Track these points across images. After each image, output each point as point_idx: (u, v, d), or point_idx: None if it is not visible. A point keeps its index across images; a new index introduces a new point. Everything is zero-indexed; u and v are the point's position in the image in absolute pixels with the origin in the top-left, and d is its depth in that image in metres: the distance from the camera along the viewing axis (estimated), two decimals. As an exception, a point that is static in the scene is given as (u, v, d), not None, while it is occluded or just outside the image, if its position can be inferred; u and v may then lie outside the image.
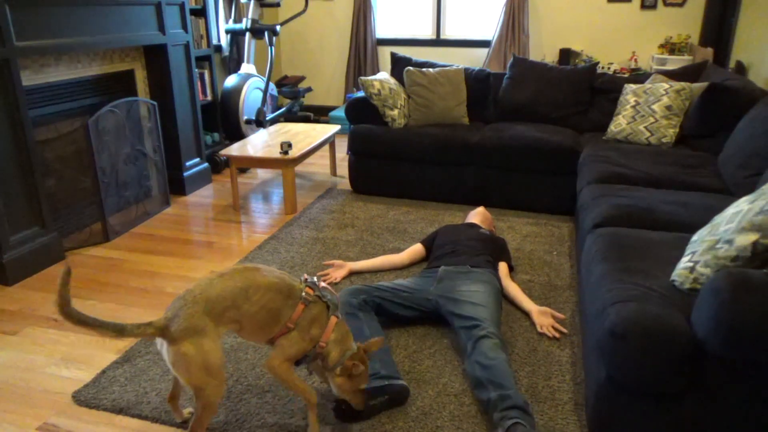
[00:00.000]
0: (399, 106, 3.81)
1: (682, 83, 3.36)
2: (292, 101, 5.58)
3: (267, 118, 4.78)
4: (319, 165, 4.78)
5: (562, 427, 1.79)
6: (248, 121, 4.75)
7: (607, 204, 2.42)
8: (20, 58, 2.78)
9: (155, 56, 3.73)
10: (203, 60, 4.44)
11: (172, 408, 1.78)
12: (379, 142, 3.76)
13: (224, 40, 5.02)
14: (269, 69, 4.85)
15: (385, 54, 6.12)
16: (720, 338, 1.35)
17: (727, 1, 5.01)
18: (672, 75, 3.73)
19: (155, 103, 3.64)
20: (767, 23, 4.21)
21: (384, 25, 6.15)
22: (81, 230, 3.35)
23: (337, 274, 2.73)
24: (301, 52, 6.40)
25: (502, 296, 2.46)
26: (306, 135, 4.06)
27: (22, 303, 2.58)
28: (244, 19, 4.85)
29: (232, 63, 5.12)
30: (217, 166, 4.53)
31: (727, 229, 1.56)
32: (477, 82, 4.05)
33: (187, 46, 3.90)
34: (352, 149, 3.88)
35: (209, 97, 4.55)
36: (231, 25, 4.98)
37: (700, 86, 3.33)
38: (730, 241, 1.52)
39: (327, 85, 6.45)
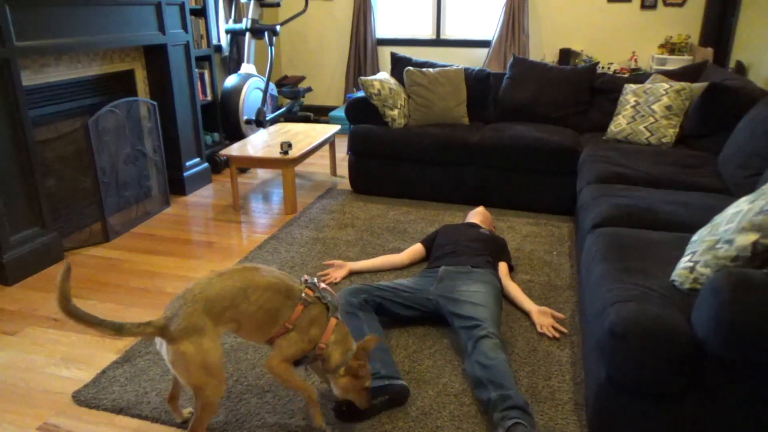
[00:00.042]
0: (399, 106, 3.81)
1: (682, 83, 3.36)
2: (292, 101, 5.58)
3: (267, 118, 4.78)
4: (319, 165, 4.78)
5: (562, 427, 1.79)
6: (248, 121, 4.75)
7: (607, 204, 2.42)
8: (20, 58, 2.78)
9: (155, 56, 3.73)
10: (203, 60, 4.44)
11: (172, 408, 1.78)
12: (379, 142, 3.76)
13: (224, 40, 5.02)
14: (269, 69, 4.85)
15: (385, 54, 6.12)
16: (720, 338, 1.35)
17: (727, 1, 5.01)
18: (672, 75, 3.73)
19: (155, 103, 3.64)
20: (767, 23, 4.21)
21: (384, 25, 6.15)
22: (81, 230, 3.35)
23: (337, 274, 2.73)
24: (301, 52, 6.40)
25: (502, 296, 2.46)
26: (306, 135, 4.06)
27: (22, 303, 2.58)
28: (244, 19, 4.85)
29: (232, 63, 5.12)
30: (217, 166, 4.53)
31: (727, 229, 1.56)
32: (477, 82, 4.05)
33: (187, 46, 3.90)
34: (352, 149, 3.88)
35: (209, 97, 4.55)
36: (231, 25, 4.98)
37: (700, 86, 3.33)
38: (730, 241, 1.52)
39: (327, 85, 6.45)
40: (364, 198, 3.89)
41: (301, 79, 6.04)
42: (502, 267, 2.58)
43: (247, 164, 3.65)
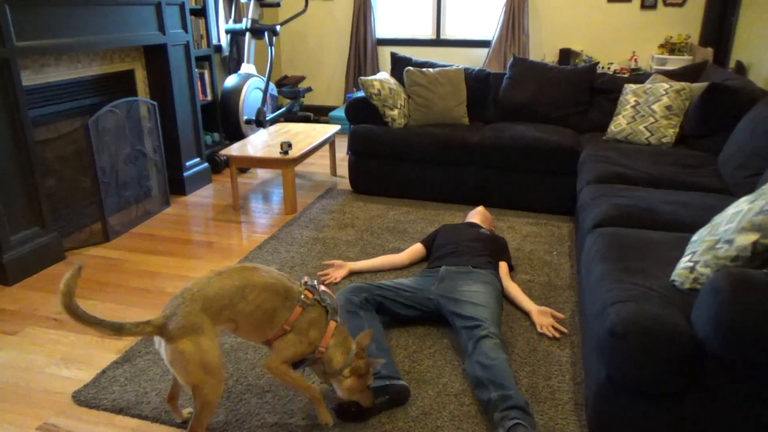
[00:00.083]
0: (399, 106, 3.81)
1: (682, 83, 3.36)
2: (292, 101, 5.58)
3: (267, 118, 4.78)
4: (319, 165, 4.78)
5: (562, 427, 1.79)
6: (248, 121, 4.75)
7: (607, 204, 2.42)
8: (20, 58, 2.78)
9: (155, 56, 3.73)
10: (203, 60, 4.44)
11: (172, 408, 1.78)
12: (379, 142, 3.76)
13: (224, 40, 5.02)
14: (269, 69, 4.85)
15: (385, 54, 6.12)
16: (720, 338, 1.35)
17: (727, 1, 5.01)
18: (672, 75, 3.73)
19: (155, 103, 3.64)
20: (767, 23, 4.21)
21: (384, 25, 6.15)
22: (81, 230, 3.35)
23: (337, 274, 2.73)
24: (301, 52, 6.40)
25: (503, 296, 2.46)
26: (306, 135, 4.06)
27: (22, 303, 2.58)
28: (244, 19, 4.85)
29: (232, 63, 5.12)
30: (217, 166, 4.53)
31: (727, 229, 1.56)
32: (477, 82, 4.05)
33: (187, 46, 3.90)
34: (352, 149, 3.88)
35: (209, 97, 4.55)
36: (231, 25, 4.98)
37: (700, 86, 3.33)
38: (730, 241, 1.52)
39: (327, 85, 6.45)
40: (364, 198, 3.89)
41: (301, 79, 6.04)
42: (503, 267, 2.57)
43: (247, 164, 3.65)
